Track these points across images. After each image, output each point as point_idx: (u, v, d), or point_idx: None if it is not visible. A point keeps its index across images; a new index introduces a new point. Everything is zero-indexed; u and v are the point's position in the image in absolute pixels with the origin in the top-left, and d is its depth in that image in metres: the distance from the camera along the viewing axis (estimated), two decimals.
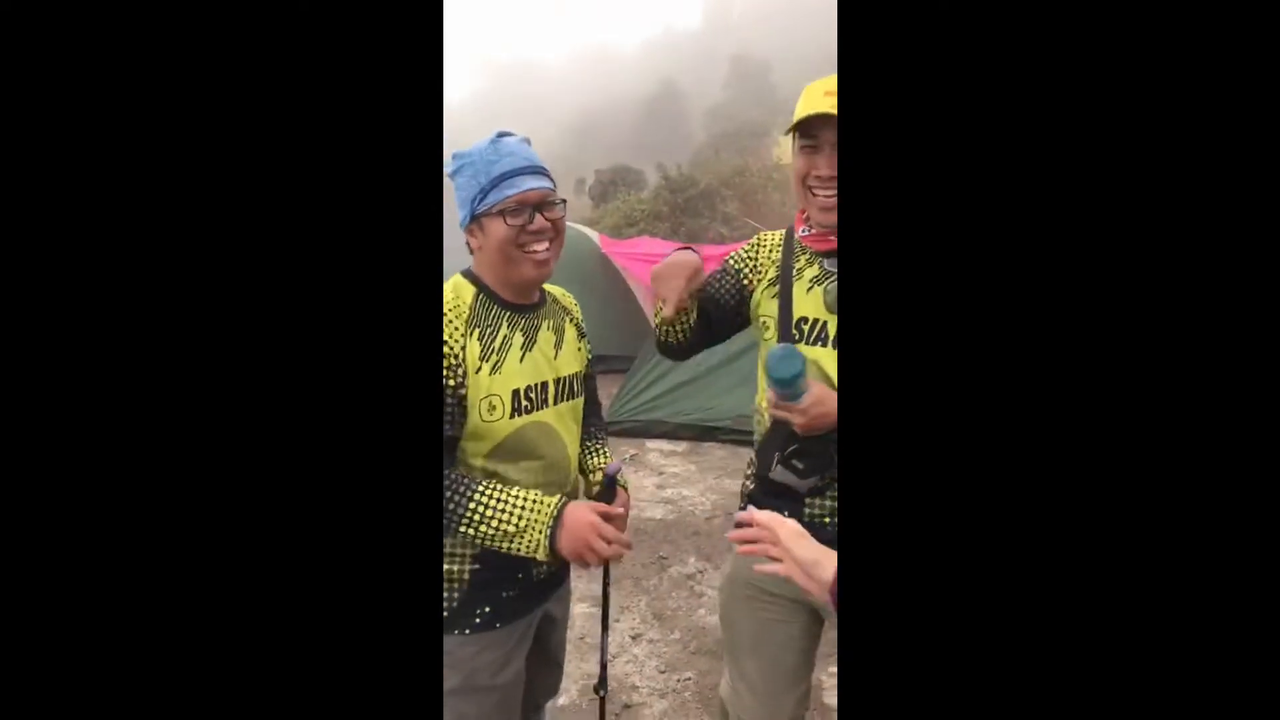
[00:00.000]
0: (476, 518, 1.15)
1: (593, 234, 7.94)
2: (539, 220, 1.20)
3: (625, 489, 1.37)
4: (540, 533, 1.16)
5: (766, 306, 1.37)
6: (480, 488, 1.17)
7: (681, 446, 5.09)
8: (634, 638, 2.78)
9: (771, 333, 1.35)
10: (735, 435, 5.08)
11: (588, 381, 1.47)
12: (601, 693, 1.59)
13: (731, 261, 1.47)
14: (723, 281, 1.44)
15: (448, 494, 1.15)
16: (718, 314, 1.43)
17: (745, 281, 1.42)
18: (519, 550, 1.17)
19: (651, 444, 5.11)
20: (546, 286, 1.38)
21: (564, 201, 1.25)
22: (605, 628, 1.58)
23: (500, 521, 1.16)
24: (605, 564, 1.29)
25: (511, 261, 1.21)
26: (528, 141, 1.26)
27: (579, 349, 1.41)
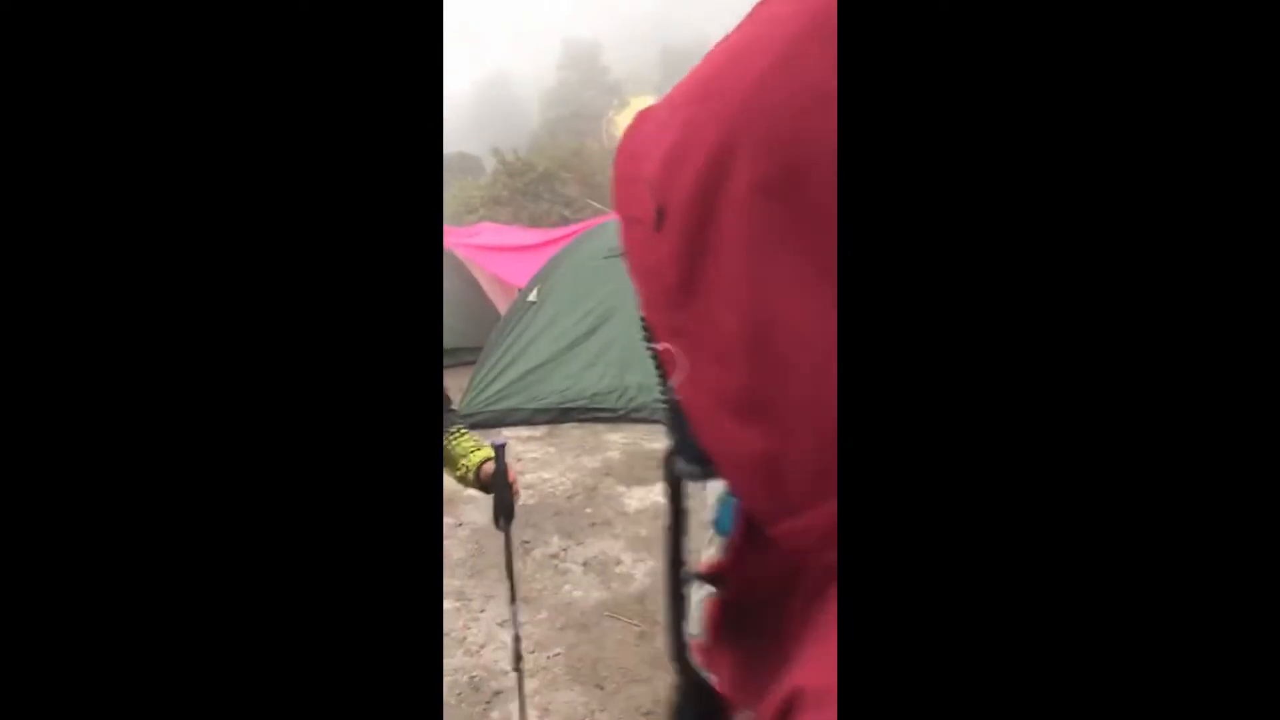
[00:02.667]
0: None
1: None
2: None
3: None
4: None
5: None
6: None
7: (539, 431, 5.10)
8: (501, 624, 2.78)
9: None
10: (592, 414, 5.15)
11: None
12: (519, 667, 1.67)
13: None
14: None
15: None
16: None
17: None
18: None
19: (509, 431, 5.08)
20: None
21: None
22: (514, 598, 1.63)
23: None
24: (508, 538, 1.45)
25: None
26: None
27: None
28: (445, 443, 1.47)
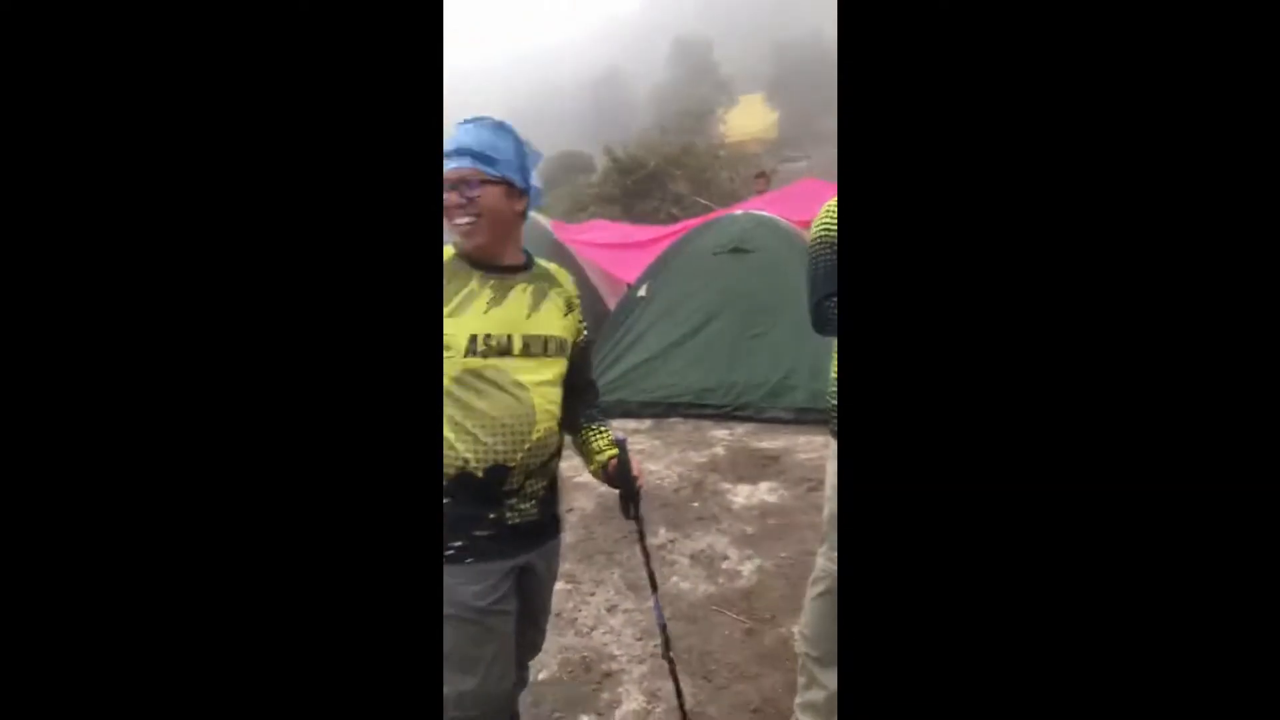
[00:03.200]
0: None
1: (545, 220, 7.93)
2: (450, 197, 1.34)
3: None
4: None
5: None
6: None
7: (645, 424, 5.17)
8: (609, 609, 2.86)
9: None
10: (698, 409, 5.17)
11: (579, 358, 1.56)
12: (669, 655, 1.77)
13: (826, 234, 1.72)
14: (829, 256, 1.70)
15: None
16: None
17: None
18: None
19: (616, 424, 5.13)
20: (543, 263, 1.52)
21: (482, 181, 1.35)
22: (654, 588, 1.76)
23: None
24: (640, 528, 1.59)
25: (449, 231, 1.36)
26: (480, 121, 1.38)
27: (564, 317, 1.50)
28: (584, 436, 1.62)
